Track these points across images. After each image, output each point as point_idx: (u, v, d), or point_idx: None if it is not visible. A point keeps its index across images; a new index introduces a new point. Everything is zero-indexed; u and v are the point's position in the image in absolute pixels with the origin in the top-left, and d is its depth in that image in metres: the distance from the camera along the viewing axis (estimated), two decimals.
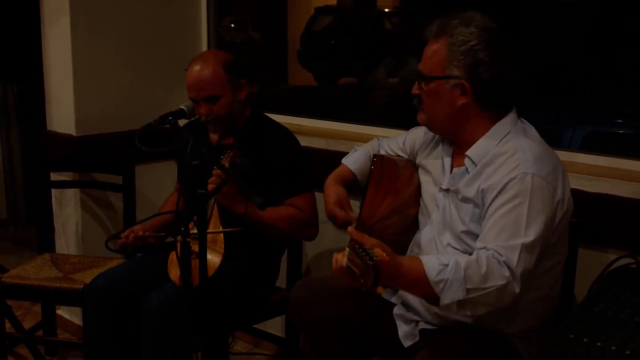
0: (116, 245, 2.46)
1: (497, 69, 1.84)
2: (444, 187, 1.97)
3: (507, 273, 1.70)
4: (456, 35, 1.85)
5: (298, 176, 2.48)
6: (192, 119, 2.45)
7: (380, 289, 1.59)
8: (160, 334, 2.25)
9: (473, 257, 1.72)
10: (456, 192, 1.91)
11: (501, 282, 1.69)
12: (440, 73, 1.87)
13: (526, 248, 1.72)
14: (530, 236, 1.72)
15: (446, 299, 1.70)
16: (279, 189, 2.42)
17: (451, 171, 1.97)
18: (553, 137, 2.71)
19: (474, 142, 1.90)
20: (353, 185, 2.24)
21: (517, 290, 1.71)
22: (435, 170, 2.04)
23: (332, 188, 2.19)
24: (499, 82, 1.86)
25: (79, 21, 3.05)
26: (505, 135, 1.87)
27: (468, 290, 1.69)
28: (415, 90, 1.95)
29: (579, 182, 2.23)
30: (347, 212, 2.10)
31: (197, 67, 2.41)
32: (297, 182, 2.47)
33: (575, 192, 1.91)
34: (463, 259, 1.72)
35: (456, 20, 1.87)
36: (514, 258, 1.70)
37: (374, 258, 1.56)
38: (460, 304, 1.71)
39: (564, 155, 2.29)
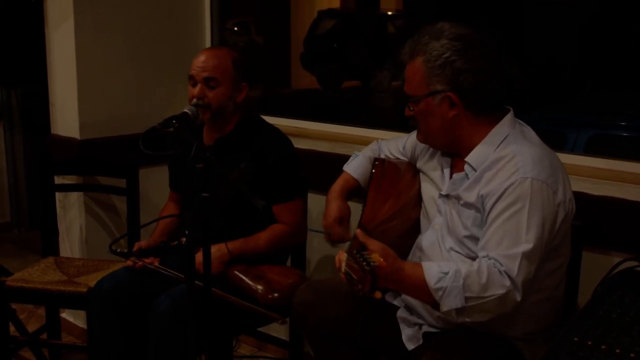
0: (120, 248, 2.46)
1: (478, 73, 1.84)
2: (443, 192, 1.97)
3: (507, 283, 1.70)
4: (429, 51, 1.86)
5: (288, 181, 2.48)
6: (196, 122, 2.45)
7: (378, 294, 1.60)
8: (170, 337, 2.25)
9: (474, 266, 1.73)
10: (457, 197, 1.91)
11: (501, 291, 1.70)
12: (425, 91, 1.88)
13: (527, 256, 1.72)
14: (530, 241, 1.73)
15: (445, 306, 1.72)
16: (269, 192, 2.41)
17: (450, 177, 1.98)
18: (557, 140, 2.71)
19: (472, 148, 1.90)
20: (357, 192, 2.24)
21: (519, 298, 1.72)
22: (435, 175, 2.05)
23: (336, 202, 2.18)
24: (484, 86, 1.86)
25: (83, 25, 3.06)
26: (504, 139, 1.87)
27: (467, 299, 1.70)
28: (407, 112, 1.97)
29: (583, 185, 2.23)
30: (344, 232, 2.11)
31: (209, 50, 2.48)
32: (287, 187, 2.47)
33: (579, 195, 1.90)
34: (464, 268, 1.72)
35: (426, 37, 1.88)
36: (514, 267, 1.71)
37: (372, 264, 1.57)
38: (459, 311, 1.72)
39: (567, 158, 2.29)
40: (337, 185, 2.24)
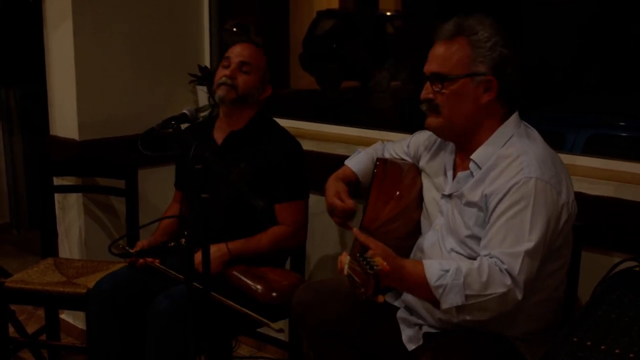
0: (119, 249, 2.46)
1: (517, 66, 1.86)
2: (446, 192, 1.97)
3: (508, 281, 1.70)
4: (480, 33, 1.85)
5: (293, 181, 2.50)
6: (195, 122, 2.45)
7: (380, 298, 1.60)
8: (169, 337, 2.25)
9: (475, 264, 1.73)
10: (460, 196, 1.91)
11: (502, 289, 1.70)
12: (465, 71, 1.85)
13: (529, 254, 1.72)
14: (533, 240, 1.72)
15: (445, 303, 1.72)
16: (274, 191, 2.43)
17: (454, 177, 1.97)
18: (556, 140, 2.71)
19: (480, 145, 1.90)
20: (354, 187, 2.24)
21: (520, 297, 1.71)
22: (437, 176, 2.04)
23: (332, 183, 2.20)
24: (518, 79, 1.88)
25: (82, 25, 3.06)
26: (509, 139, 1.87)
27: (467, 297, 1.70)
28: (427, 94, 1.91)
29: (581, 185, 2.23)
30: (346, 203, 2.09)
31: (250, 43, 2.58)
32: (291, 187, 2.49)
33: (577, 195, 1.91)
34: (465, 266, 1.72)
35: (471, 20, 1.88)
36: (516, 266, 1.71)
37: (375, 267, 1.57)
38: (460, 309, 1.72)
39: (566, 158, 2.28)
40: (334, 174, 2.25)
